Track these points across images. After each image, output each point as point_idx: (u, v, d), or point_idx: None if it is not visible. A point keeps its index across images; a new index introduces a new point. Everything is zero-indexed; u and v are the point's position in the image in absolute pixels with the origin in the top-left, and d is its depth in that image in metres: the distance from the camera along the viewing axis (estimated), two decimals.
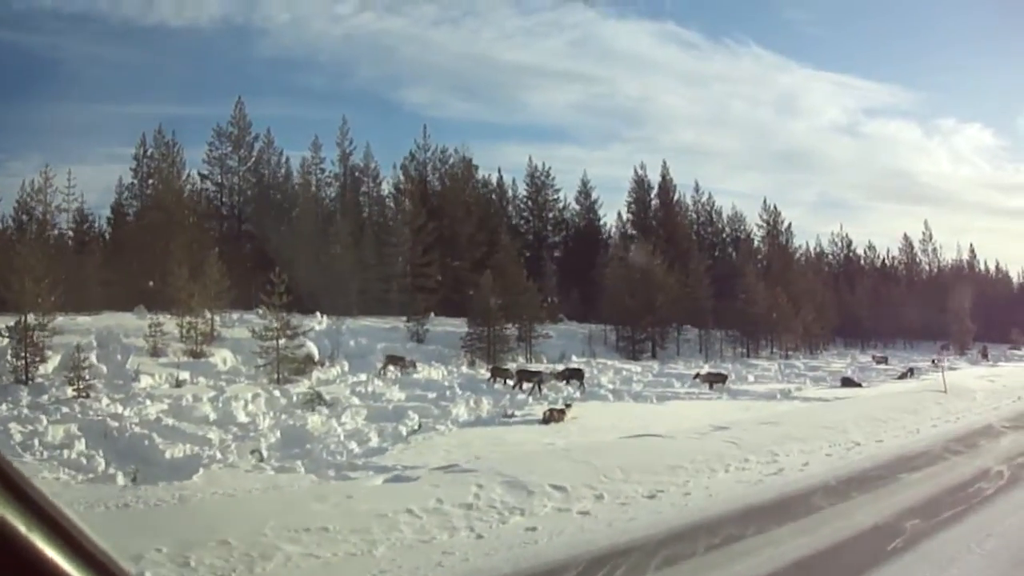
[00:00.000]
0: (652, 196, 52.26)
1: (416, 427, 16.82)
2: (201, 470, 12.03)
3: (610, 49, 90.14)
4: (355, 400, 21.15)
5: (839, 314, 52.21)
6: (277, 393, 21.77)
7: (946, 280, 65.80)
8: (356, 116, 75.80)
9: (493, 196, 49.17)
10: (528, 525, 8.08)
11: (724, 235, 55.14)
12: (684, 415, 18.21)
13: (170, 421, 16.66)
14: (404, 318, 33.59)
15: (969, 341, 55.18)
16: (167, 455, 13.62)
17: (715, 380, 26.28)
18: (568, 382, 25.11)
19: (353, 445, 15.01)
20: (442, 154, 44.15)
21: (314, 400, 20.44)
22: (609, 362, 33.41)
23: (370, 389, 23.18)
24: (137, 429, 15.42)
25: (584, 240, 49.56)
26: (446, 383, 25.38)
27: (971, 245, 73.97)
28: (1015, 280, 75.49)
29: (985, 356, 47.11)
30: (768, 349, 43.77)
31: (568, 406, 18.75)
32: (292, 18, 75.22)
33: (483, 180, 47.63)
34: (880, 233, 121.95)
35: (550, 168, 51.02)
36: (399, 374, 26.88)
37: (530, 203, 50.71)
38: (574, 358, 33.28)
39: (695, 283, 42.07)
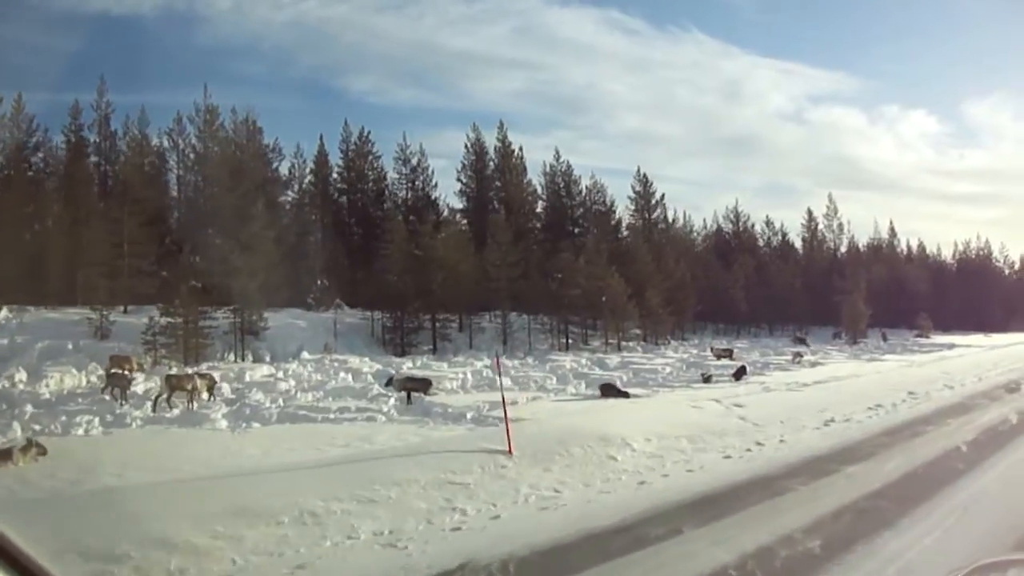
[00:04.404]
0: (488, 162, 45.75)
1: None
2: None
3: (554, 36, 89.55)
4: None
5: (713, 297, 46.68)
6: None
7: (853, 260, 60.58)
8: (298, 104, 73.77)
9: (309, 167, 42.97)
10: None
11: (583, 210, 48.87)
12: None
13: None
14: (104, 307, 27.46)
15: (863, 327, 49.85)
16: None
17: (413, 388, 20.05)
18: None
19: None
20: (209, 115, 37.57)
21: None
22: (360, 359, 27.56)
23: None
24: None
25: (415, 215, 42.39)
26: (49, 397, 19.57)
27: (891, 223, 68.74)
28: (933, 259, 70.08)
29: (802, 341, 42.89)
30: (602, 339, 37.84)
31: (31, 443, 12.69)
32: (234, 4, 71.05)
33: (272, 146, 41.01)
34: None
35: (370, 133, 44.39)
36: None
37: (347, 174, 44.13)
38: (305, 355, 27.41)
39: (500, 261, 35.78)
